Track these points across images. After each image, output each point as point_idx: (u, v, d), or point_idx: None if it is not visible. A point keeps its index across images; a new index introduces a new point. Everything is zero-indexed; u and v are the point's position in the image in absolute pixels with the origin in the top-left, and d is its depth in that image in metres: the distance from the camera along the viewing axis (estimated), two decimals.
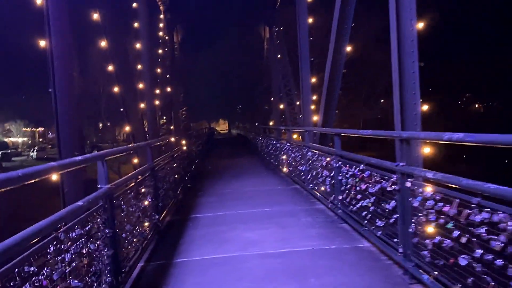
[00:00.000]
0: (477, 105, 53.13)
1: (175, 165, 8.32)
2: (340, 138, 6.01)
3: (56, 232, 2.49)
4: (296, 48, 13.41)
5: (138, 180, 4.87)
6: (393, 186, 4.04)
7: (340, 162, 5.84)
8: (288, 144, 10.38)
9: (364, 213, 4.88)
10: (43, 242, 2.36)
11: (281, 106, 19.50)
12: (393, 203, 4.10)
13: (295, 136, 13.87)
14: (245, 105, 46.98)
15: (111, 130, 38.93)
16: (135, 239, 4.35)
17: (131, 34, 13.23)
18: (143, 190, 5.10)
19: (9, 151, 58.77)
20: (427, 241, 3.37)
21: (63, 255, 2.54)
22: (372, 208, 4.65)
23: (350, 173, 5.32)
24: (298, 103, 16.99)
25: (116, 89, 9.24)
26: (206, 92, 44.37)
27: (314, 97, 12.94)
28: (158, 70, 16.93)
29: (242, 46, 35.52)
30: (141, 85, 12.78)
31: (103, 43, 8.63)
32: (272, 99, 22.48)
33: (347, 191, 5.55)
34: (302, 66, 12.66)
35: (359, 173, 5.03)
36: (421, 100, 6.07)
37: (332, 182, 6.28)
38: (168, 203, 6.97)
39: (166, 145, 14.90)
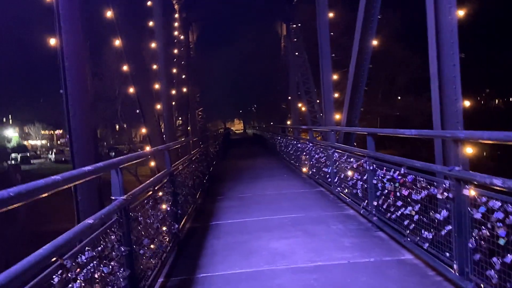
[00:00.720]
0: (497, 101, 51.48)
1: (194, 168, 7.92)
2: (374, 139, 5.51)
3: (61, 260, 2.08)
4: (314, 45, 12.93)
5: (156, 188, 4.46)
6: (445, 194, 3.53)
7: (374, 165, 5.34)
8: (310, 145, 9.89)
9: (406, 222, 4.38)
10: (45, 273, 1.95)
11: (299, 105, 19.00)
12: (444, 212, 3.59)
13: (303, 136, 13.43)
14: (261, 104, 46.55)
15: (127, 132, 38.94)
16: (153, 253, 3.94)
17: (146, 33, 12.93)
18: (161, 197, 4.70)
19: (28, 154, 59.55)
20: (494, 259, 2.86)
21: (70, 285, 2.13)
22: (416, 217, 4.15)
23: (388, 177, 4.82)
24: (318, 101, 16.51)
25: (131, 89, 8.90)
26: (221, 92, 44.12)
27: (336, 95, 12.42)
28: (174, 70, 16.61)
29: (258, 44, 35.12)
30: (157, 86, 12.45)
31: (118, 42, 8.29)
32: (289, 97, 21.97)
33: (383, 197, 5.05)
34: (322, 63, 12.16)
35: (400, 177, 4.52)
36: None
37: (365, 186, 5.78)
38: (187, 210, 6.57)
39: (182, 146, 14.59)
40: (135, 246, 3.38)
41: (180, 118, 17.78)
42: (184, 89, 17.38)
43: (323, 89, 12.18)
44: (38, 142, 72.92)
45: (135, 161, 3.71)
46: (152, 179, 4.41)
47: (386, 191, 4.93)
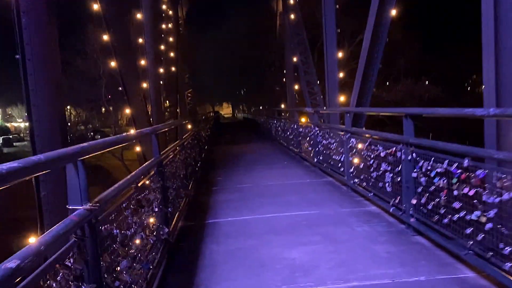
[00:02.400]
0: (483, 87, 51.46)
1: (186, 155, 6.80)
2: (413, 121, 4.43)
3: None
4: (313, 22, 11.76)
5: (139, 184, 3.34)
6: None
7: (414, 154, 4.28)
8: (316, 129, 8.80)
9: (469, 230, 3.34)
10: None
11: (296, 87, 17.87)
12: None
13: (303, 119, 12.34)
14: (252, 87, 45.18)
15: (114, 114, 37.40)
16: (135, 277, 2.83)
17: (131, 1, 11.61)
18: (147, 196, 3.58)
19: (10, 137, 57.52)
20: None
21: None
22: (490, 225, 3.11)
23: (439, 170, 3.76)
24: (318, 82, 15.38)
25: (113, 63, 7.69)
26: (210, 74, 42.64)
27: (341, 75, 11.32)
28: (162, 47, 15.28)
29: (251, 24, 33.64)
30: (143, 62, 11.18)
31: (96, 6, 7.04)
32: (284, 79, 20.80)
33: (428, 195, 4.01)
34: (327, 39, 11.02)
35: (459, 171, 3.47)
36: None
37: (398, 179, 4.73)
38: (179, 205, 5.47)
39: (170, 131, 13.44)
40: (107, 276, 2.28)
41: (168, 100, 16.54)
42: (173, 68, 16.08)
43: (327, 68, 11.06)
44: (21, 124, 70.70)
45: (106, 150, 2.58)
46: (134, 172, 3.28)
47: (434, 187, 3.88)
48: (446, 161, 3.67)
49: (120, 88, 8.61)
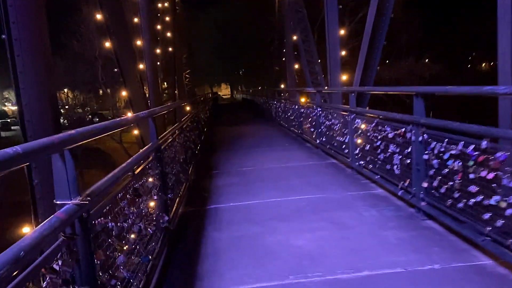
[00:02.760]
0: (484, 64, 51.24)
1: (186, 138, 6.57)
2: (425, 100, 4.20)
3: None
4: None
5: (136, 172, 3.13)
6: None
7: (425, 135, 4.06)
8: (319, 109, 8.55)
9: (487, 216, 3.16)
10: None
11: (296, 66, 17.51)
12: None
13: (303, 99, 12.05)
14: (251, 68, 44.58)
15: (111, 96, 36.99)
16: (133, 272, 2.65)
17: None
18: (145, 184, 3.38)
19: (8, 120, 57.14)
20: None
21: None
22: (510, 211, 2.92)
23: (453, 152, 3.56)
24: (319, 61, 15.02)
25: (108, 44, 7.37)
26: (209, 54, 42.01)
27: (343, 53, 11.01)
28: (158, 27, 14.89)
29: (249, 3, 32.93)
30: (139, 42, 10.84)
31: None
32: (284, 58, 20.39)
33: (441, 178, 3.81)
34: (328, 15, 10.66)
35: (476, 153, 3.26)
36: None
37: (407, 162, 4.52)
38: (179, 191, 5.27)
39: (169, 113, 13.19)
40: (102, 275, 2.09)
41: (166, 81, 16.20)
42: (170, 49, 15.70)
43: (329, 46, 10.74)
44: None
45: (101, 135, 2.36)
46: (130, 159, 3.06)
47: (448, 170, 3.68)
48: (461, 143, 3.45)
49: (116, 70, 8.33)
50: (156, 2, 14.82)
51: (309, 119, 9.48)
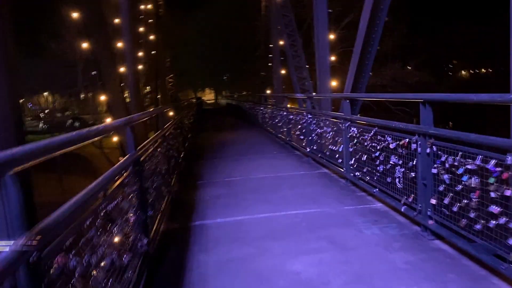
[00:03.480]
0: (463, 72, 52.47)
1: (168, 146, 6.09)
2: (433, 109, 3.83)
3: None
4: (298, 3, 11.03)
5: (109, 193, 2.65)
6: None
7: (434, 147, 3.68)
8: (309, 116, 8.17)
9: None
10: None
11: (283, 72, 17.17)
12: None
13: (288, 105, 11.64)
14: (236, 72, 44.16)
15: (92, 101, 35.99)
16: None
17: None
18: (121, 204, 2.90)
19: None
20: None
21: None
22: None
23: (469, 166, 3.18)
24: (307, 66, 14.68)
25: (85, 45, 6.85)
26: (192, 58, 41.42)
27: (332, 58, 10.68)
28: (141, 29, 14.35)
29: (234, 7, 32.54)
30: (119, 44, 10.31)
31: None
32: (270, 64, 20.04)
33: (453, 195, 3.43)
34: (318, 20, 10.32)
35: (498, 169, 2.89)
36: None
37: (412, 175, 4.15)
38: (160, 206, 4.78)
39: (151, 119, 12.66)
40: None
41: (148, 85, 15.64)
42: (153, 52, 15.17)
43: (318, 50, 10.41)
44: None
45: (60, 152, 1.89)
46: (101, 178, 2.57)
47: (461, 187, 3.31)
48: (480, 157, 3.08)
49: (94, 72, 7.80)
50: (138, 3, 14.30)
51: (299, 126, 9.09)
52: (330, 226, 4.41)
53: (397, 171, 4.49)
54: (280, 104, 13.16)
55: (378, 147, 4.92)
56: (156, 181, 4.61)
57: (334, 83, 10.63)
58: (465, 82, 46.75)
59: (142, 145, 3.94)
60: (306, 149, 8.46)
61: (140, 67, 13.05)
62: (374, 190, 5.12)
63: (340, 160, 6.47)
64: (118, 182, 3.05)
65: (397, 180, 4.51)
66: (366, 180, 5.38)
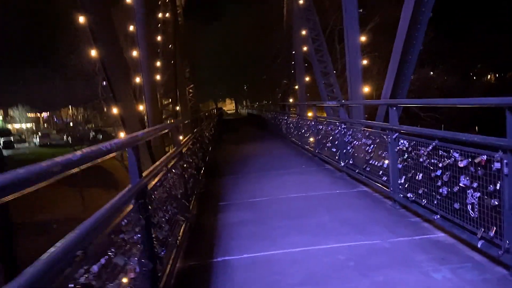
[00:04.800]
0: (489, 76, 51.23)
1: (186, 165, 5.31)
2: None
3: None
4: (320, 7, 10.19)
5: (94, 246, 1.85)
6: None
7: None
8: (343, 127, 7.28)
9: None
10: None
11: (307, 79, 16.33)
12: None
13: (310, 114, 10.73)
14: (256, 82, 43.53)
15: (111, 113, 35.93)
16: None
17: None
18: (116, 258, 2.10)
19: (11, 138, 56.47)
20: None
21: None
22: None
23: None
24: (334, 72, 13.82)
25: (93, 52, 6.19)
26: (213, 68, 41.04)
27: (365, 62, 9.79)
28: (159, 38, 13.78)
29: (255, 14, 31.95)
30: (135, 53, 9.68)
31: None
32: (292, 71, 19.23)
33: None
34: (347, 20, 9.47)
35: None
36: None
37: (495, 202, 3.21)
38: (176, 240, 3.97)
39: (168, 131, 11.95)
40: None
41: (167, 97, 15.04)
42: (172, 61, 14.59)
43: (348, 54, 9.53)
44: (23, 126, 69.59)
45: (41, 183, 1.12)
46: (79, 228, 1.77)
47: None
48: None
49: (104, 83, 7.14)
50: (156, 11, 13.78)
51: (330, 138, 8.20)
52: (386, 266, 3.50)
53: (469, 195, 3.55)
54: (304, 113, 12.31)
55: (440, 165, 3.99)
56: (171, 210, 3.81)
57: (367, 89, 9.75)
58: (490, 86, 45.20)
59: (149, 169, 3.14)
60: (340, 163, 7.55)
61: (158, 77, 12.46)
62: (435, 217, 4.18)
63: (384, 178, 5.54)
64: (114, 223, 2.26)
65: (469, 207, 3.58)
66: (423, 204, 4.44)
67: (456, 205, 3.75)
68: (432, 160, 4.16)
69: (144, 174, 2.95)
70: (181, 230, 4.33)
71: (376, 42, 22.18)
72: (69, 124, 60.02)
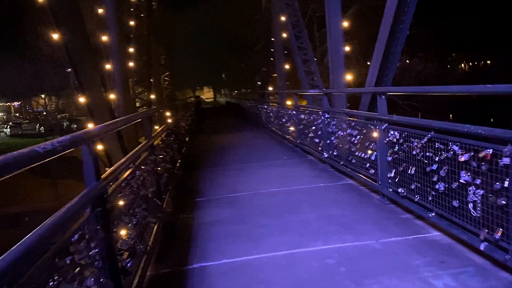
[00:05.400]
0: (462, 65, 52.43)
1: (158, 160, 4.84)
2: None
3: None
4: None
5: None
6: None
7: None
8: (327, 116, 6.92)
9: None
10: None
11: (286, 67, 15.91)
12: None
13: (289, 102, 10.39)
14: (234, 70, 42.84)
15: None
16: None
17: None
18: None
19: None
20: None
21: None
22: None
23: None
24: (315, 59, 13.43)
25: (55, 35, 5.59)
26: (190, 56, 40.11)
27: (347, 48, 9.43)
28: (132, 23, 13.08)
29: (231, 1, 31.20)
30: (104, 38, 9.05)
31: None
32: (272, 59, 18.75)
33: None
34: (329, 4, 9.04)
35: None
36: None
37: (501, 201, 2.90)
38: (146, 245, 3.53)
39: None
40: None
41: (141, 85, 14.35)
42: (146, 48, 13.90)
43: (330, 40, 9.14)
44: None
45: None
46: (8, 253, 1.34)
47: None
48: None
49: (69, 70, 6.53)
50: None
51: (313, 128, 7.84)
52: (381, 272, 3.16)
53: (471, 193, 3.23)
54: (284, 101, 11.93)
55: (437, 159, 3.66)
56: (139, 213, 3.36)
57: (349, 77, 9.41)
58: (465, 75, 46.01)
59: (110, 170, 2.68)
60: (323, 154, 7.21)
61: (131, 64, 11.83)
62: (430, 215, 3.86)
63: (372, 171, 5.21)
64: (60, 242, 1.83)
65: (470, 205, 3.26)
66: (415, 200, 4.12)
67: (455, 203, 3.44)
68: (427, 153, 3.82)
69: (103, 176, 2.49)
70: (153, 233, 3.89)
71: (355, 29, 21.89)
72: (42, 113, 58.10)
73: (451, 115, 30.39)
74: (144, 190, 3.66)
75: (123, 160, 3.02)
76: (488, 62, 51.74)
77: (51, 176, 28.41)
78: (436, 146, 3.68)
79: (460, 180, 3.32)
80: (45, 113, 58.05)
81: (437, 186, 3.68)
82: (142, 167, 3.79)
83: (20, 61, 31.14)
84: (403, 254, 3.46)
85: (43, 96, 54.84)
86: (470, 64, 53.57)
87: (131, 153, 3.37)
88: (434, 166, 3.70)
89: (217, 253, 3.82)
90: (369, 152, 5.22)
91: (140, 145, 3.86)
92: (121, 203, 2.80)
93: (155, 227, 4.07)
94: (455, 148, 3.39)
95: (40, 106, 61.54)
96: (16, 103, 69.65)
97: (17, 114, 69.20)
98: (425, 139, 3.84)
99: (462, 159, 3.30)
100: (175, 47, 32.53)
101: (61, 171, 27.13)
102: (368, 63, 29.34)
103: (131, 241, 2.95)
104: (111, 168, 2.72)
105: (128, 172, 3.13)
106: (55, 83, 29.46)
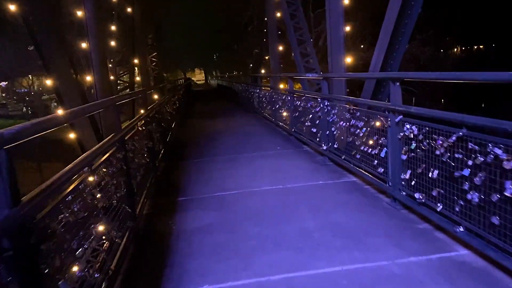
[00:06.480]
0: (455, 50, 51.88)
1: (138, 148, 4.09)
2: None
3: None
4: None
5: None
6: None
7: None
8: (326, 104, 6.18)
9: None
10: None
11: (280, 48, 15.04)
12: None
13: (281, 86, 9.63)
14: (226, 51, 41.64)
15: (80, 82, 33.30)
16: None
17: None
18: None
19: None
20: None
21: None
22: None
23: None
24: (312, 40, 12.57)
25: (12, 6, 4.74)
26: (180, 36, 38.80)
27: (348, 28, 8.63)
28: None
29: None
30: (79, 13, 8.14)
31: None
32: (264, 40, 17.85)
33: None
34: None
35: None
36: None
37: None
38: (105, 272, 2.81)
39: (129, 104, 10.64)
40: None
41: (125, 67, 13.41)
42: (130, 26, 12.93)
43: (329, 19, 8.33)
44: None
45: None
46: None
47: None
48: None
49: (31, 48, 5.64)
50: None
51: (310, 116, 7.10)
52: None
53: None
54: (277, 85, 11.14)
55: (469, 162, 2.96)
56: (95, 235, 2.62)
57: (349, 59, 8.63)
58: (459, 60, 45.52)
59: (42, 186, 1.91)
60: (322, 146, 6.49)
61: (113, 43, 10.91)
62: (457, 229, 3.17)
63: (381, 169, 4.51)
64: None
65: None
66: (438, 209, 3.43)
67: (495, 220, 2.75)
68: (456, 155, 3.12)
69: (25, 197, 1.74)
70: (119, 251, 3.15)
71: (353, 7, 20.97)
72: (30, 93, 56.55)
73: (442, 100, 29.86)
74: (105, 199, 2.91)
75: (68, 167, 2.26)
76: (481, 46, 51.32)
77: (35, 159, 27.51)
78: (469, 146, 2.97)
79: (505, 194, 2.62)
80: (32, 93, 56.57)
81: (469, 196, 2.99)
82: (104, 169, 3.03)
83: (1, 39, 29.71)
84: (431, 282, 2.78)
85: (30, 76, 53.27)
86: (463, 48, 53.02)
87: (82, 156, 2.60)
88: (466, 172, 3.00)
89: (198, 275, 3.11)
90: (379, 147, 4.51)
91: (101, 143, 3.09)
92: (61, 229, 2.05)
93: (123, 241, 3.33)
94: (498, 151, 2.69)
95: (27, 86, 59.93)
96: (3, 83, 67.85)
97: (3, 95, 67.41)
98: (454, 137, 3.12)
99: (508, 167, 2.59)
100: (164, 27, 31.26)
101: (46, 154, 26.23)
102: (362, 46, 28.47)
103: (79, 274, 2.22)
104: (46, 182, 1.96)
105: (76, 183, 2.37)
106: (40, 63, 28.08)
